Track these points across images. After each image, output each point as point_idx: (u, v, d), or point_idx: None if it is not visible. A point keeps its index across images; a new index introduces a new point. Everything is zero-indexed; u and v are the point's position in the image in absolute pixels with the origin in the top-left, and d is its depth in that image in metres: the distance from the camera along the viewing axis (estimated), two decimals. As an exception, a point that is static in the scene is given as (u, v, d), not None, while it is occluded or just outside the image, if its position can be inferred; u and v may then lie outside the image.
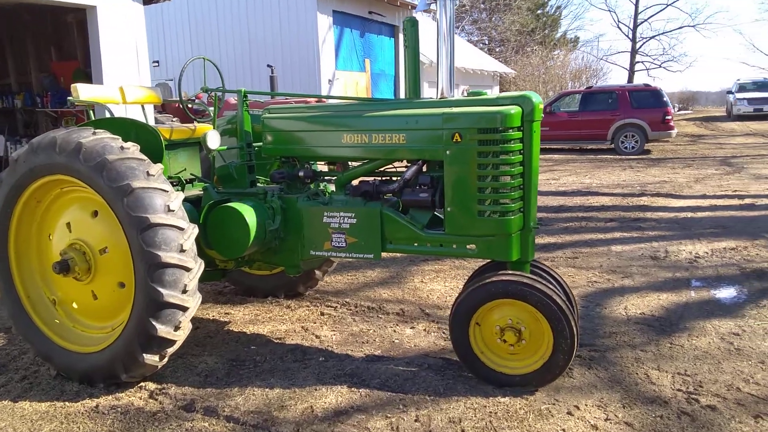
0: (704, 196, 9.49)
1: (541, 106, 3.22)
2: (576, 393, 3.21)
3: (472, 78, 22.09)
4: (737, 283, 5.06)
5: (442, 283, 5.26)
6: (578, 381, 3.32)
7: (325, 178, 4.04)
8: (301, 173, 3.75)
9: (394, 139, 3.35)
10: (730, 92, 28.58)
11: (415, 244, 3.42)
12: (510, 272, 3.22)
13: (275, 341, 4.06)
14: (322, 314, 4.55)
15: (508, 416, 2.96)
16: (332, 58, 13.97)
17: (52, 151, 3.26)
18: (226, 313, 4.65)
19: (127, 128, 3.59)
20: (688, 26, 48.56)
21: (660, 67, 41.69)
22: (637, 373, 3.42)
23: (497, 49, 38.82)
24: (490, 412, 3.00)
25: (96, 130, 3.33)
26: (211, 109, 4.29)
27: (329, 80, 13.80)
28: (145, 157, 3.25)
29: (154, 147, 3.52)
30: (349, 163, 3.82)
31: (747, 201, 8.88)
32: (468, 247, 3.28)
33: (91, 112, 3.96)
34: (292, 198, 3.71)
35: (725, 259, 5.78)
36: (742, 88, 27.29)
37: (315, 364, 3.65)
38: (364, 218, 3.45)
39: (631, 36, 40.80)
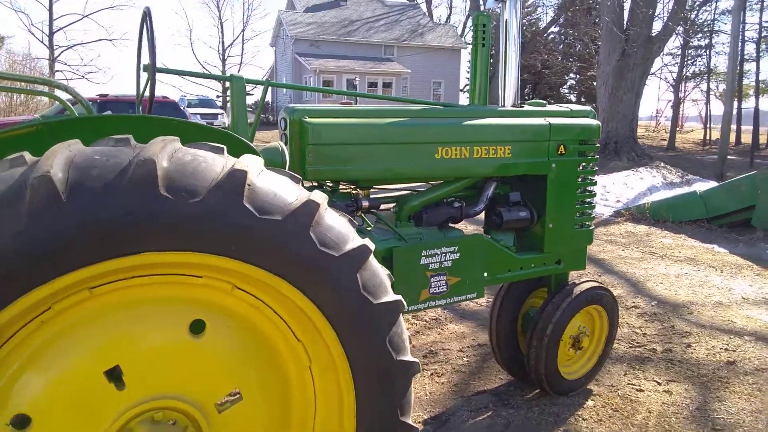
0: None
1: None
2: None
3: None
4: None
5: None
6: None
7: (379, 208, 3.00)
8: (365, 203, 2.74)
9: (500, 152, 2.90)
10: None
11: (509, 271, 3.06)
12: (585, 280, 3.34)
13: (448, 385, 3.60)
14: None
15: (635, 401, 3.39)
16: None
17: (146, 193, 1.37)
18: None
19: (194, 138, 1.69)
20: (106, 39, 43.52)
21: (83, 78, 36.92)
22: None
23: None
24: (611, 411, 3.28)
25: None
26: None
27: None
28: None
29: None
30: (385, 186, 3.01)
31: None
32: (555, 262, 3.21)
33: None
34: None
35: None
36: (191, 104, 26.78)
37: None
38: (470, 251, 2.82)
39: (47, 43, 35.06)
